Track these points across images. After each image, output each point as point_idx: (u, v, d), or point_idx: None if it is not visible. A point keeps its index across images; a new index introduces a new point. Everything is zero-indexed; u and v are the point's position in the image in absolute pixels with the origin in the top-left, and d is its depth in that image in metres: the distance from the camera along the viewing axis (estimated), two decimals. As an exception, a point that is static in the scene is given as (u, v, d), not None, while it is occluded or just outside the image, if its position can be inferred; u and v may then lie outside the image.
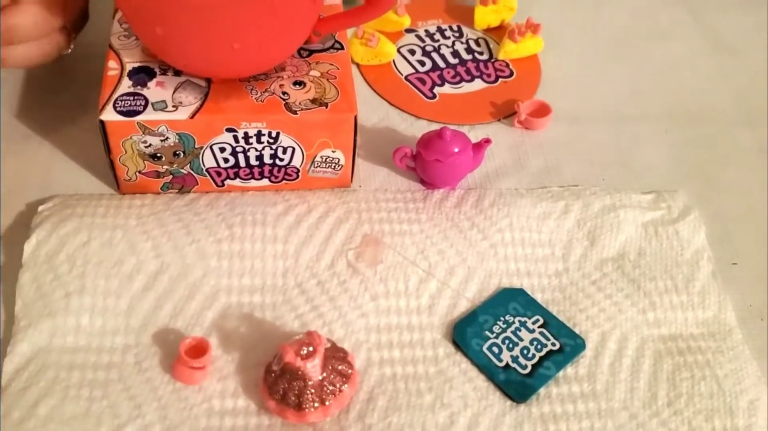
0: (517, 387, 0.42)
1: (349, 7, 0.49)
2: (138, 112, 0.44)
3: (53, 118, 0.53)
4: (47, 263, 0.44)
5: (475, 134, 0.55)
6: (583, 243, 0.49)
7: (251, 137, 0.46)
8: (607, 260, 0.49)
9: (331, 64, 0.48)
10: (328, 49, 0.49)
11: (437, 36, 0.62)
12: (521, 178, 0.53)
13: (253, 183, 0.49)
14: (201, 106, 0.45)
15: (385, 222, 0.49)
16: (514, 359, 0.43)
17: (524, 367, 0.43)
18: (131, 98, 0.45)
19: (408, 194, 0.51)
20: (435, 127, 0.55)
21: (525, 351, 0.44)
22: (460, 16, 0.64)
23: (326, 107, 0.46)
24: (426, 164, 0.50)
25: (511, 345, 0.44)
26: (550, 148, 0.55)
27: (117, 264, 0.45)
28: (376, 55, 0.59)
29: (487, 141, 0.51)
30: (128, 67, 0.46)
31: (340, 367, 0.40)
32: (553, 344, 0.44)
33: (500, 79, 0.59)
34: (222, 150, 0.47)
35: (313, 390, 0.39)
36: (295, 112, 0.45)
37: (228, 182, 0.49)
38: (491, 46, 0.62)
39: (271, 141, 0.46)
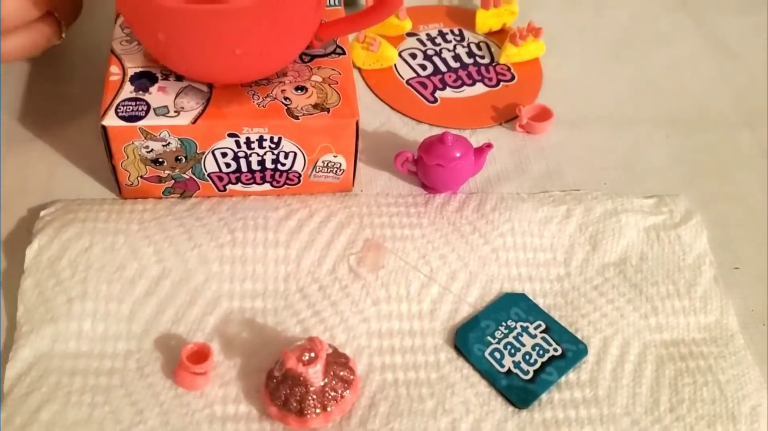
0: (519, 393, 0.42)
1: (351, 12, 0.49)
2: (140, 118, 0.44)
3: (55, 123, 0.53)
4: (49, 268, 0.44)
5: (476, 138, 0.55)
6: (584, 248, 0.49)
7: (253, 142, 0.46)
8: (608, 265, 0.49)
9: (333, 69, 0.48)
10: (329, 54, 0.49)
11: (438, 40, 0.62)
12: (523, 183, 0.53)
13: (254, 188, 0.49)
14: (203, 111, 0.45)
15: (386, 226, 0.49)
16: (516, 364, 0.43)
17: (526, 373, 0.43)
18: (133, 103, 0.45)
19: (409, 198, 0.51)
20: (436, 131, 0.55)
21: (527, 357, 0.44)
22: (461, 20, 0.64)
23: (328, 112, 0.46)
24: (427, 169, 0.50)
25: (513, 351, 0.44)
26: (551, 152, 0.55)
27: (119, 269, 0.45)
28: (377, 59, 0.59)
29: (489, 145, 0.51)
30: (130, 72, 0.46)
31: (341, 373, 0.40)
32: (555, 349, 0.44)
33: (502, 83, 0.59)
34: (224, 155, 0.47)
35: (314, 396, 0.39)
36: (296, 118, 0.45)
37: (230, 187, 0.49)
38: (493, 49, 0.62)
39: (273, 146, 0.46)
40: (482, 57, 0.61)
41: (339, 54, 0.49)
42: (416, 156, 0.51)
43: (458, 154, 0.49)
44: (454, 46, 0.62)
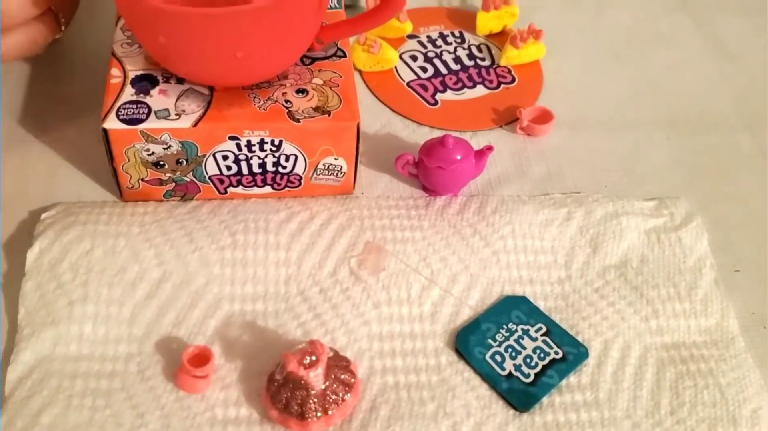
0: (520, 396, 0.42)
1: (352, 15, 0.49)
2: (141, 120, 0.44)
3: (56, 125, 0.53)
4: (50, 271, 0.44)
5: (477, 141, 0.55)
6: (585, 251, 0.49)
7: (254, 145, 0.46)
8: (609, 267, 0.49)
9: (334, 72, 0.48)
10: (330, 56, 0.49)
11: (439, 42, 0.62)
12: (523, 185, 0.53)
13: (255, 190, 0.49)
14: (204, 114, 0.45)
15: (387, 229, 0.49)
16: (517, 368, 0.43)
17: (527, 376, 0.43)
18: (134, 106, 0.45)
19: (410, 201, 0.51)
20: (437, 133, 0.55)
21: (528, 360, 0.44)
22: (462, 22, 0.64)
23: (329, 115, 0.46)
24: (428, 171, 0.50)
25: (513, 354, 0.44)
26: (552, 154, 0.55)
27: (120, 272, 0.45)
28: (378, 62, 0.59)
29: (489, 148, 0.51)
30: (131, 74, 0.46)
31: (342, 376, 0.40)
32: (556, 352, 0.44)
33: (502, 85, 0.59)
34: (225, 158, 0.47)
35: (315, 400, 0.39)
36: (297, 120, 0.45)
37: (231, 189, 0.49)
38: (493, 52, 0.62)
39: (274, 149, 0.46)
40: (483, 59, 0.61)
41: (340, 57, 0.49)
42: (417, 158, 0.51)
43: (459, 157, 0.49)
44: (455, 48, 0.62)
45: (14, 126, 0.53)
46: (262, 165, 0.47)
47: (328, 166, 0.49)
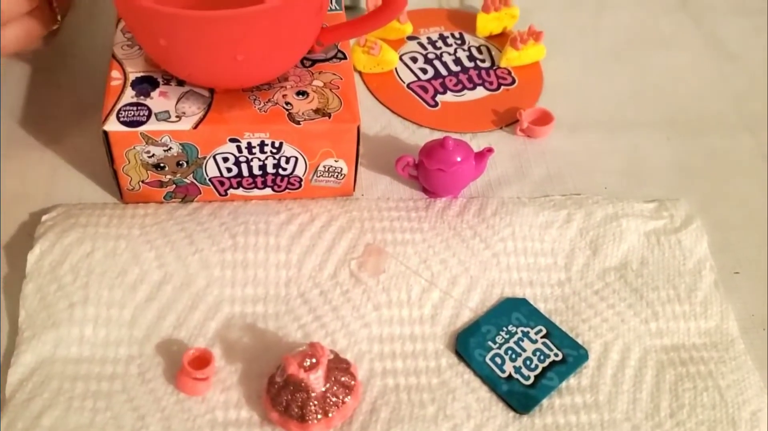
0: (519, 398, 0.42)
1: (352, 17, 0.49)
2: (141, 123, 0.44)
3: (56, 127, 0.53)
4: (51, 273, 0.44)
5: (477, 142, 0.55)
6: (585, 253, 0.49)
7: (254, 147, 0.46)
8: (609, 269, 0.49)
9: (334, 74, 0.48)
10: (330, 58, 0.49)
11: (439, 43, 0.62)
12: (523, 187, 0.53)
13: (256, 192, 0.49)
14: (204, 116, 0.45)
15: (387, 231, 0.49)
16: (517, 370, 0.43)
17: (527, 378, 0.43)
18: (134, 108, 0.45)
19: (410, 203, 0.51)
20: (437, 135, 0.55)
21: (528, 362, 0.44)
22: (462, 24, 0.64)
23: (329, 117, 0.46)
24: (428, 173, 0.50)
25: (513, 356, 0.44)
26: (552, 156, 0.55)
27: (120, 274, 0.45)
28: (378, 63, 0.59)
29: (490, 150, 0.51)
30: (131, 76, 0.47)
31: (343, 379, 0.40)
32: (556, 354, 0.44)
33: (502, 87, 0.59)
34: (225, 160, 0.47)
35: (316, 402, 0.39)
36: (298, 122, 0.45)
37: (231, 191, 0.49)
38: (493, 53, 0.62)
39: (274, 151, 0.46)
40: (483, 60, 0.61)
41: (340, 59, 0.49)
42: (417, 160, 0.51)
43: (459, 159, 0.49)
44: (455, 50, 0.62)
45: (15, 128, 0.53)
46: (263, 167, 0.47)
47: (329, 168, 0.49)
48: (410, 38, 0.62)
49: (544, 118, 0.57)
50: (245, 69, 0.44)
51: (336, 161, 0.48)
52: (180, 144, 0.45)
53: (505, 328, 0.45)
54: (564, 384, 0.43)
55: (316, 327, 0.44)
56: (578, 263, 0.49)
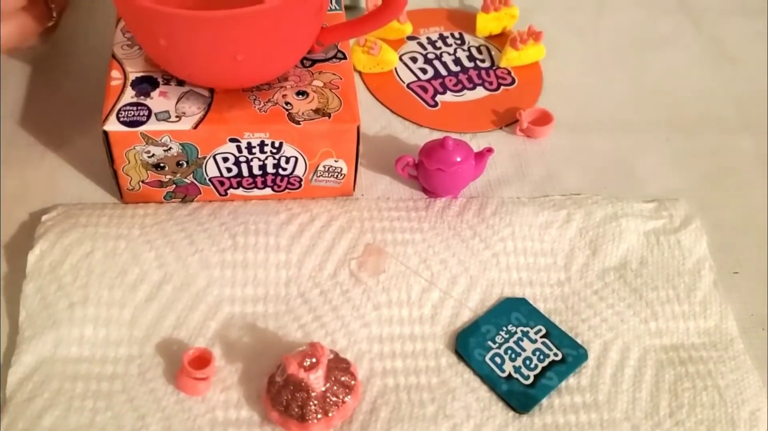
0: (519, 398, 0.42)
1: (352, 17, 0.49)
2: (141, 123, 0.44)
3: (56, 127, 0.53)
4: (51, 273, 0.44)
5: (476, 142, 0.56)
6: (585, 253, 0.49)
7: (254, 147, 0.46)
8: (609, 269, 0.49)
9: (334, 74, 0.48)
10: (330, 58, 0.49)
11: (439, 43, 0.62)
12: (523, 187, 0.53)
13: (255, 192, 0.49)
14: (204, 116, 0.45)
15: (387, 231, 0.49)
16: (517, 369, 0.43)
17: (527, 377, 0.43)
18: (134, 108, 0.45)
19: (410, 203, 0.51)
20: (437, 135, 0.56)
21: (527, 362, 0.44)
22: (461, 24, 0.64)
23: (329, 117, 0.46)
24: (428, 173, 0.50)
25: (513, 356, 0.44)
26: (551, 156, 0.55)
27: (120, 274, 0.45)
28: (377, 63, 0.59)
29: (489, 150, 0.51)
30: (131, 76, 0.47)
31: (343, 378, 0.40)
32: (556, 354, 0.44)
33: (502, 87, 0.60)
34: (225, 160, 0.47)
35: (316, 402, 0.39)
36: (298, 122, 0.45)
37: (231, 191, 0.49)
38: (493, 53, 0.62)
39: (274, 151, 0.47)
40: (483, 61, 0.61)
41: (340, 59, 0.49)
42: (417, 160, 0.51)
43: (459, 159, 0.49)
44: (455, 50, 0.62)
45: (14, 128, 0.53)
46: (263, 167, 0.47)
47: (329, 168, 0.49)
48: (410, 38, 0.63)
49: (544, 118, 0.57)
50: (245, 69, 0.44)
51: (336, 161, 0.48)
52: (180, 144, 0.45)
53: (504, 328, 0.45)
54: (563, 383, 0.43)
55: (316, 327, 0.44)
56: (578, 263, 0.49)
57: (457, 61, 0.61)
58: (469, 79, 0.60)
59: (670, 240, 0.50)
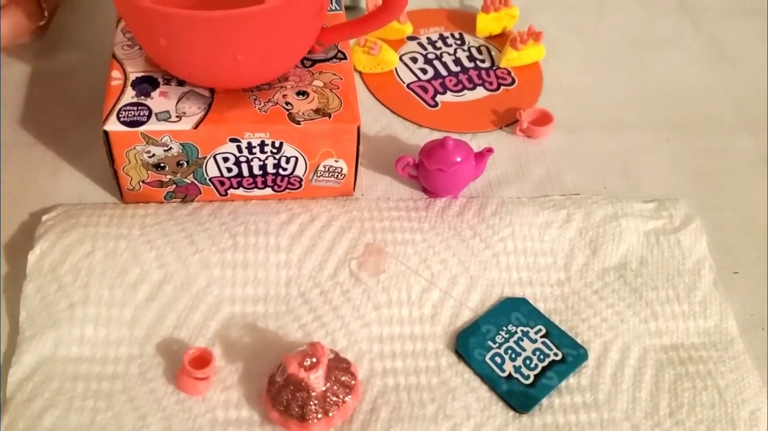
0: (519, 398, 0.42)
1: (352, 17, 0.49)
2: (141, 123, 0.44)
3: (56, 127, 0.53)
4: (51, 273, 0.44)
5: (476, 142, 0.56)
6: (585, 252, 0.49)
7: (254, 147, 0.46)
8: (609, 269, 0.49)
9: (334, 74, 0.48)
10: (330, 59, 0.49)
11: (439, 43, 0.62)
12: (523, 187, 0.53)
13: (256, 192, 0.49)
14: (204, 116, 0.45)
15: (387, 231, 0.49)
16: (517, 369, 0.43)
17: (527, 377, 0.43)
18: (135, 108, 0.45)
19: (410, 203, 0.51)
20: (437, 135, 0.56)
21: (527, 361, 0.44)
22: (461, 24, 0.64)
23: (329, 117, 0.46)
24: (428, 173, 0.50)
25: (513, 355, 0.44)
26: (551, 156, 0.55)
27: (121, 274, 0.45)
28: (378, 63, 0.59)
29: (489, 150, 0.51)
30: (132, 76, 0.47)
31: (343, 378, 0.40)
32: (556, 354, 0.44)
33: (502, 87, 0.60)
34: (225, 160, 0.47)
35: (316, 401, 0.39)
36: (298, 123, 0.45)
37: (231, 191, 0.49)
38: (493, 53, 0.62)
39: (275, 151, 0.47)
40: (483, 61, 0.61)
41: (340, 59, 0.49)
42: (417, 160, 0.51)
43: (459, 159, 0.49)
44: (455, 50, 0.62)
45: (15, 128, 0.53)
46: (263, 167, 0.48)
47: (329, 168, 0.49)
48: (410, 38, 0.63)
49: (544, 118, 0.57)
50: (245, 69, 0.44)
51: (336, 161, 0.48)
52: (180, 144, 0.45)
53: (504, 328, 0.45)
54: (563, 383, 0.43)
55: (316, 327, 0.44)
56: (578, 263, 0.49)
57: (457, 62, 0.61)
58: (469, 79, 0.60)
59: (670, 240, 0.50)
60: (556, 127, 0.57)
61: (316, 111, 0.46)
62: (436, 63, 0.61)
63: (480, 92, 0.59)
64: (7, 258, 0.46)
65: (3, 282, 0.45)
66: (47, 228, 0.46)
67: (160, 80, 0.47)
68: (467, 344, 0.44)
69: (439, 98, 0.58)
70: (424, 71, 0.60)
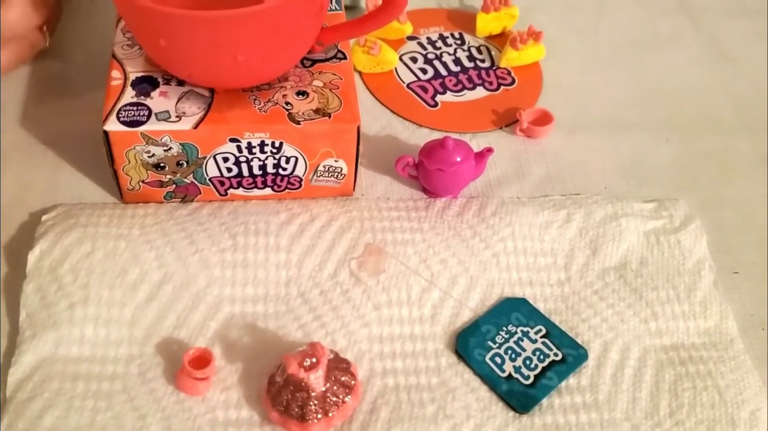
0: (519, 398, 0.42)
1: (352, 17, 0.49)
2: (141, 123, 0.44)
3: (56, 127, 0.53)
4: (51, 273, 0.44)
5: (476, 142, 0.56)
6: (585, 252, 0.49)
7: (254, 147, 0.46)
8: (609, 269, 0.49)
9: (334, 74, 0.48)
10: (330, 58, 0.49)
11: (439, 43, 0.62)
12: (523, 187, 0.53)
13: (256, 192, 0.49)
14: (204, 116, 0.45)
15: (387, 231, 0.49)
16: (517, 369, 0.43)
17: (527, 377, 0.43)
18: (135, 108, 0.45)
19: (410, 203, 0.51)
20: (437, 135, 0.56)
21: (527, 362, 0.44)
22: (461, 24, 0.64)
23: (329, 117, 0.46)
24: (428, 173, 0.50)
25: (513, 356, 0.44)
26: (551, 156, 0.55)
27: (121, 274, 0.45)
28: (378, 63, 0.59)
29: (489, 150, 0.51)
30: (131, 76, 0.47)
31: (343, 378, 0.40)
32: (556, 354, 0.44)
33: (502, 87, 0.60)
34: (225, 160, 0.47)
35: (316, 402, 0.39)
36: (298, 122, 0.45)
37: (231, 191, 0.49)
38: (493, 53, 0.62)
39: (274, 151, 0.47)
40: (483, 61, 0.61)
41: (340, 59, 0.49)
42: (417, 160, 0.51)
43: (459, 159, 0.49)
44: (455, 50, 0.62)
45: (15, 128, 0.53)
46: (263, 167, 0.48)
47: (329, 168, 0.49)
48: (410, 38, 0.63)
49: (544, 118, 0.57)
50: (245, 69, 0.44)
51: (336, 161, 0.48)
52: (180, 144, 0.45)
53: (504, 328, 0.45)
54: (563, 383, 0.43)
55: (316, 327, 0.44)
56: (578, 263, 0.49)
57: (457, 61, 0.61)
58: (469, 79, 0.60)
59: (670, 240, 0.50)
60: (556, 127, 0.57)
61: (316, 111, 0.46)
62: (436, 63, 0.61)
63: (480, 92, 0.59)
64: (7, 258, 0.46)
65: (3, 282, 0.45)
66: (47, 228, 0.46)
67: (160, 80, 0.46)
68: (467, 344, 0.44)
69: (439, 98, 0.58)
70: (424, 71, 0.60)
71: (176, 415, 0.40)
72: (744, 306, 0.48)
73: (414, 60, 0.61)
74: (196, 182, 0.48)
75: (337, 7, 0.53)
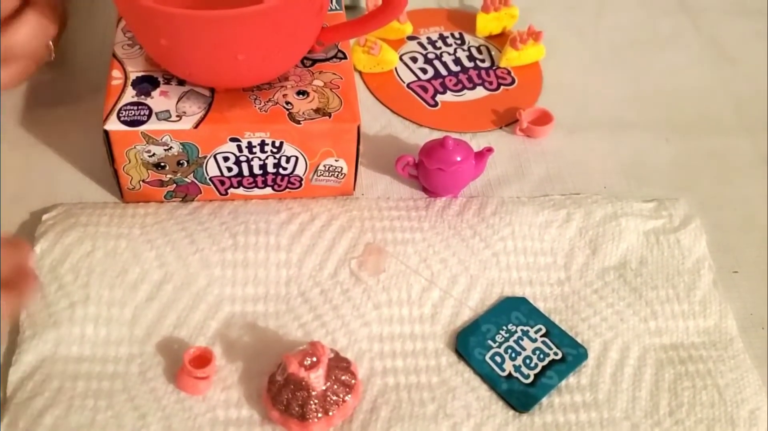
0: (519, 397, 0.42)
1: (352, 17, 0.49)
2: (142, 122, 0.44)
3: (57, 126, 0.53)
4: (51, 273, 0.44)
5: (476, 142, 0.56)
6: (584, 252, 0.49)
7: (255, 146, 0.46)
8: (608, 269, 0.49)
9: (334, 74, 0.48)
10: (331, 58, 0.49)
11: (439, 43, 0.62)
12: (523, 186, 0.53)
13: (256, 191, 0.49)
14: (205, 115, 0.45)
15: (387, 230, 0.49)
16: (517, 368, 0.44)
17: (527, 377, 0.43)
18: (135, 108, 0.45)
19: (410, 202, 0.51)
20: (437, 135, 0.56)
21: (527, 361, 0.44)
22: (461, 24, 0.64)
23: (329, 117, 0.46)
24: (428, 173, 0.50)
25: (513, 355, 0.44)
26: (551, 156, 0.56)
27: (121, 273, 0.45)
28: (378, 63, 0.59)
29: (489, 150, 0.51)
30: (132, 76, 0.47)
31: (343, 377, 0.40)
32: (556, 353, 0.44)
33: (502, 87, 0.60)
34: (225, 159, 0.47)
35: (316, 401, 0.39)
36: (298, 122, 0.45)
37: (231, 191, 0.49)
38: (493, 53, 0.62)
39: (275, 150, 0.47)
40: (483, 60, 0.61)
41: (340, 58, 0.49)
42: (417, 160, 0.51)
43: (459, 158, 0.49)
44: (455, 50, 0.62)
45: (15, 127, 0.53)
46: (263, 166, 0.48)
47: (329, 168, 0.49)
48: (410, 38, 0.63)
49: (544, 118, 0.57)
50: (246, 68, 0.44)
51: (336, 161, 0.48)
52: (180, 143, 0.45)
53: (504, 327, 0.45)
54: (563, 382, 0.43)
55: (316, 326, 0.44)
56: (578, 262, 0.49)
57: (457, 61, 0.61)
58: (469, 79, 0.60)
59: (670, 240, 0.50)
60: (556, 126, 0.57)
61: (317, 110, 0.46)
62: (436, 63, 0.61)
63: (480, 92, 0.59)
64: (8, 257, 0.46)
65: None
66: (47, 227, 0.46)
67: (161, 79, 0.47)
68: (467, 343, 0.44)
69: (439, 98, 0.58)
70: (424, 71, 0.60)
71: (176, 414, 0.40)
72: (744, 306, 0.48)
73: (414, 60, 0.61)
74: (196, 182, 0.48)
75: (337, 7, 0.53)
